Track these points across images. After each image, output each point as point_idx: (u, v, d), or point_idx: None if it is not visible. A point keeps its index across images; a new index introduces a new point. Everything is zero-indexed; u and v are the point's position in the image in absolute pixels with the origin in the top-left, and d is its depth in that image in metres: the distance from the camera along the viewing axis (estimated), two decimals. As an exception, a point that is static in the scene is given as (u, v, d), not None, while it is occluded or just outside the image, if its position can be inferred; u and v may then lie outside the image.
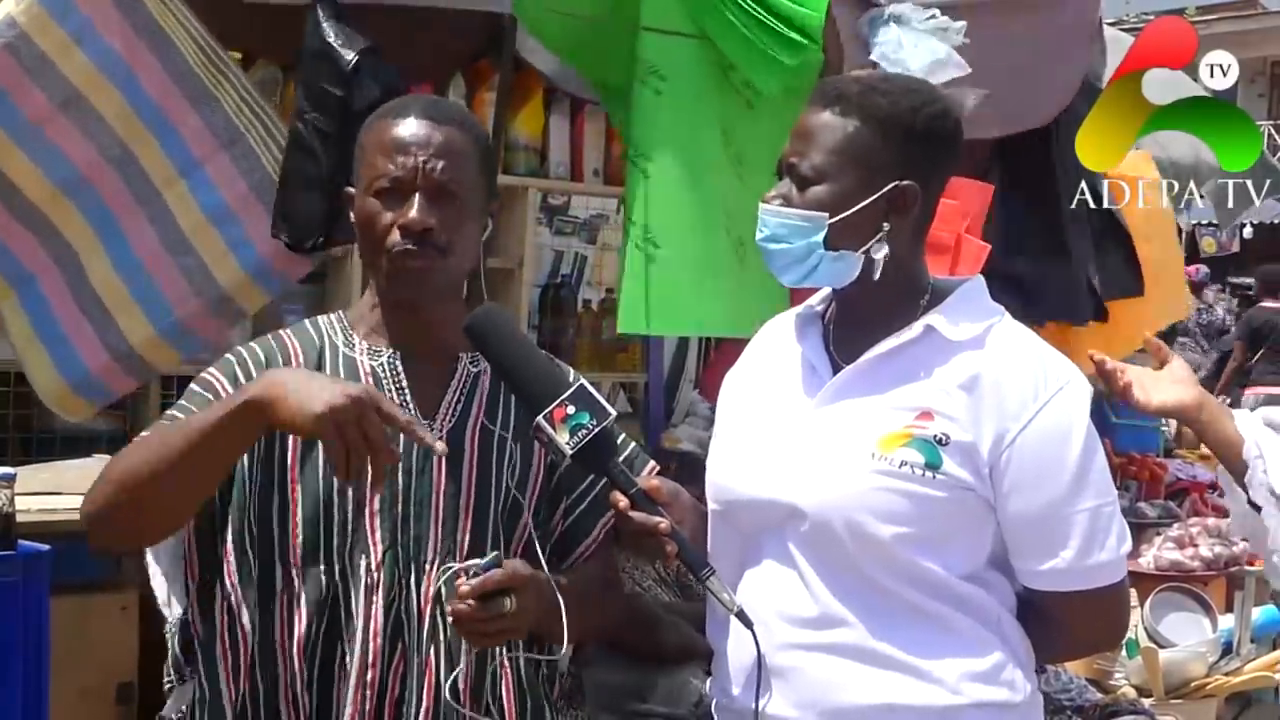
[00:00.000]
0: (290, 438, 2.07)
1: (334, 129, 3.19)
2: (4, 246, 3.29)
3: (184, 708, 2.31)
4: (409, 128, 2.12)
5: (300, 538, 2.07)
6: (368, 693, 2.04)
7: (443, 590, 2.04)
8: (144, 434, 2.09)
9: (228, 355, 2.18)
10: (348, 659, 2.05)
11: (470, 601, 1.96)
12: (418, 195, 2.09)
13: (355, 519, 2.07)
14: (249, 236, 3.32)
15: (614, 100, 3.64)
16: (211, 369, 2.17)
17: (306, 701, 2.07)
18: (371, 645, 2.05)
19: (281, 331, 2.22)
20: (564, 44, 3.71)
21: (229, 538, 2.10)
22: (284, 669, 2.07)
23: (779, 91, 3.37)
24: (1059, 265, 4.41)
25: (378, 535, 2.07)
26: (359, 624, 2.05)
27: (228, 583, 2.10)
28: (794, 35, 3.29)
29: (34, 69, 3.08)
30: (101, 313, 3.40)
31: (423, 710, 2.05)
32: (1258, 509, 2.66)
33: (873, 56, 3.36)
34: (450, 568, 2.03)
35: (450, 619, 2.00)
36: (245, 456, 2.07)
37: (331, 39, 3.25)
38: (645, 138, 3.26)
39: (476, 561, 2.00)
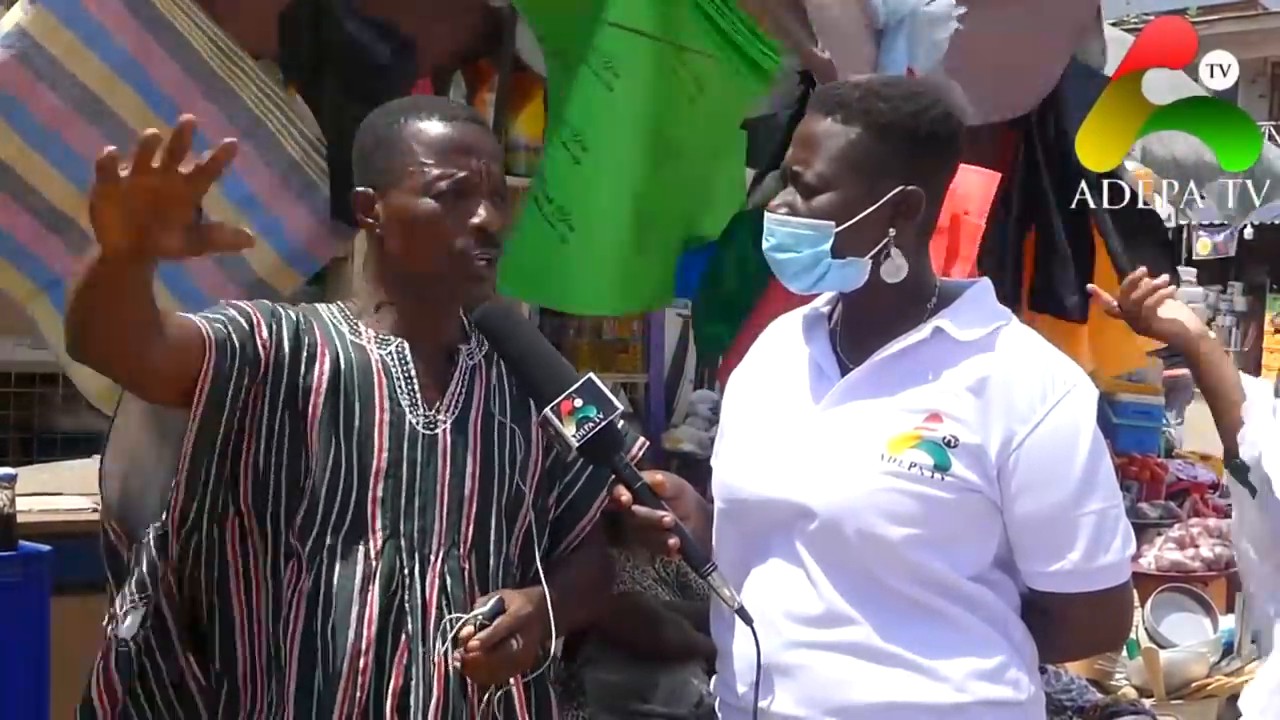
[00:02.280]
0: (311, 403, 2.07)
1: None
2: (30, 251, 3.26)
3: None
4: (460, 130, 2.13)
5: (304, 507, 2.07)
6: (359, 679, 2.04)
7: (448, 640, 2.04)
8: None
9: (266, 301, 2.16)
10: (334, 639, 2.04)
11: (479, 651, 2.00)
12: (486, 198, 2.11)
13: (358, 505, 2.07)
14: (280, 220, 3.30)
15: (556, 64, 3.58)
16: (248, 303, 2.14)
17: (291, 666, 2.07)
18: (366, 633, 2.05)
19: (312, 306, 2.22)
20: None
21: (248, 475, 2.09)
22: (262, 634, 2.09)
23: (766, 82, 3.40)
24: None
25: (378, 523, 2.08)
26: (353, 611, 2.05)
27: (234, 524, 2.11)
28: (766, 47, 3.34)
29: (47, 75, 3.07)
30: None
31: (434, 702, 2.06)
32: (1244, 473, 2.64)
33: None
34: (457, 618, 2.04)
35: (459, 665, 2.02)
36: (266, 407, 2.06)
37: (359, 35, 3.28)
38: (586, 128, 3.25)
39: (482, 610, 2.03)
